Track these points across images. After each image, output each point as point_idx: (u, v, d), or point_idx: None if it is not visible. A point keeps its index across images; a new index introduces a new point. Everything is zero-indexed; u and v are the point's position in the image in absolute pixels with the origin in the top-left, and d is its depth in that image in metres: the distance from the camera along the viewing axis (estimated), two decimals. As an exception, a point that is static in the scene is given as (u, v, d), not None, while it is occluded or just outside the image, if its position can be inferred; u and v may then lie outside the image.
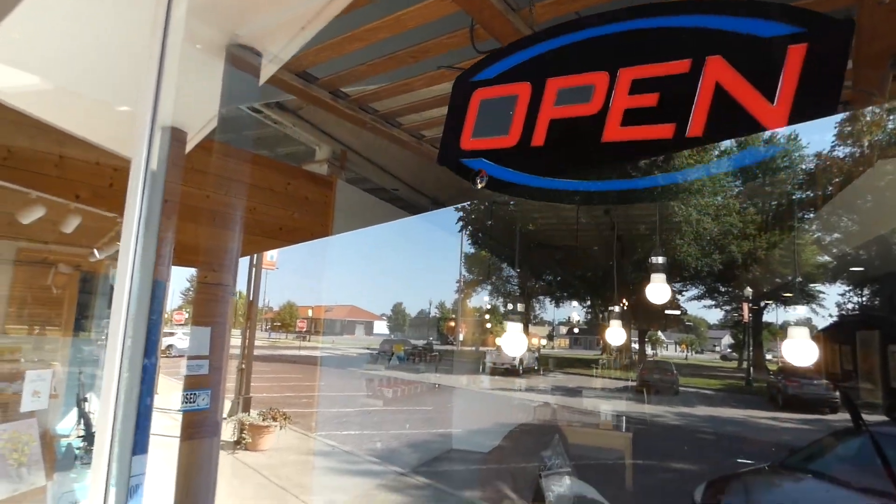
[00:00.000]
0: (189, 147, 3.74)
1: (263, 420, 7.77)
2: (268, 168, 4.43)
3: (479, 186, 1.02)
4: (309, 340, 46.57)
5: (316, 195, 4.62)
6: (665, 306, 27.31)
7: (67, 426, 4.11)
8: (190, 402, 3.50)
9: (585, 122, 0.96)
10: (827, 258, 22.12)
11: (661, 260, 2.71)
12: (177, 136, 3.60)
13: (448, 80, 2.22)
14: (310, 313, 53.31)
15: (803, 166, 20.98)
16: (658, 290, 2.69)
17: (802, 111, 0.81)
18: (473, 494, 6.32)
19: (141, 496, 3.34)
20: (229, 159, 4.04)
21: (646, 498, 6.61)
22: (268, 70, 3.08)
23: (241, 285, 10.74)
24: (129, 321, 1.97)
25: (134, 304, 2.12)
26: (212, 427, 3.66)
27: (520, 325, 2.36)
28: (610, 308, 3.43)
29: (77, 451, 3.97)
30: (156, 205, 2.17)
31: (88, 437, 4.05)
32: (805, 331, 2.10)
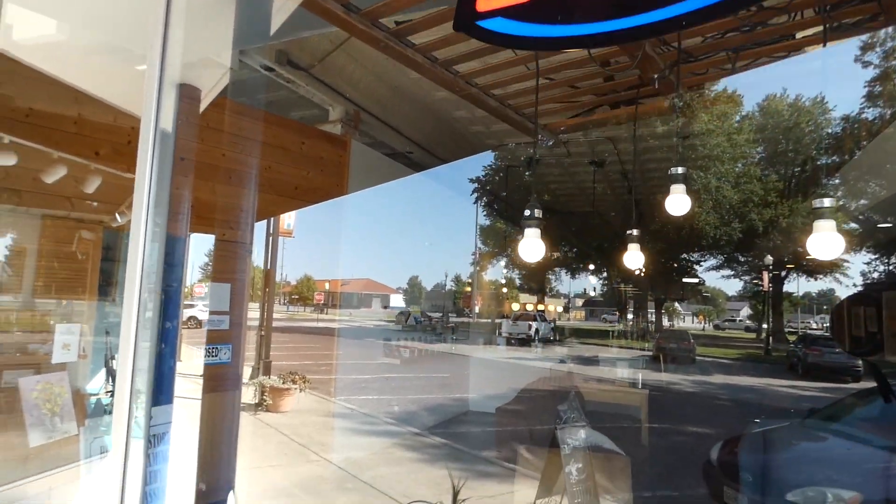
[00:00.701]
0: (203, 105, 3.73)
1: (284, 383, 7.95)
2: (282, 127, 4.43)
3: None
4: (326, 313, 47.22)
5: (330, 154, 4.62)
6: (682, 274, 27.06)
7: (97, 385, 4.27)
8: (212, 356, 3.58)
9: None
10: (853, 225, 21.59)
11: (680, 170, 2.65)
12: (189, 92, 3.57)
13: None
14: (327, 287, 53.90)
15: (829, 130, 20.36)
16: (678, 202, 2.63)
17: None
18: (490, 454, 6.44)
19: (168, 442, 3.44)
20: (244, 118, 4.04)
21: (661, 458, 6.66)
22: (280, 16, 3.03)
23: (260, 256, 10.89)
24: (143, 275, 2.00)
25: (148, 260, 2.15)
26: (233, 380, 3.75)
27: (537, 231, 2.32)
28: (627, 232, 3.36)
29: (106, 407, 4.13)
30: (167, 159, 2.18)
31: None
32: (832, 223, 2.04)
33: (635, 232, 3.35)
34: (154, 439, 3.25)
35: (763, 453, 4.56)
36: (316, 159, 4.54)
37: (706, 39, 2.34)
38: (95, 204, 4.24)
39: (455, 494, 3.11)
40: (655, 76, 2.33)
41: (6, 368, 3.56)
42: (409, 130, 5.60)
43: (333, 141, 4.77)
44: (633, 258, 3.25)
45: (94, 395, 4.18)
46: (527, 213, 2.34)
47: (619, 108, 3.07)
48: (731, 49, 2.11)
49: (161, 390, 3.43)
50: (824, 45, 1.96)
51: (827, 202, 2.05)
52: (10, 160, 3.17)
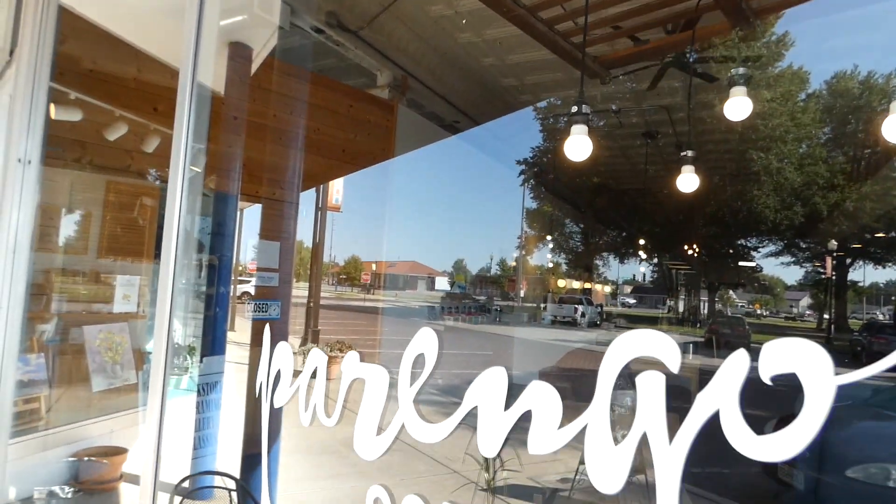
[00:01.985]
0: (255, 66, 3.76)
1: (331, 350, 8.15)
2: (331, 90, 4.45)
3: None
4: (373, 293, 48.08)
5: (378, 118, 4.62)
6: (737, 259, 25.95)
7: (156, 342, 4.47)
8: (262, 311, 3.64)
9: None
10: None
11: (741, 71, 2.51)
12: (241, 51, 3.60)
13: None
14: (374, 268, 54.76)
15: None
16: (738, 105, 2.48)
17: None
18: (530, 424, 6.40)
19: (220, 391, 3.50)
20: (294, 79, 4.07)
21: (712, 436, 6.46)
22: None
23: (308, 232, 11.13)
24: (179, 234, 2.04)
25: (189, 222, 2.18)
26: (281, 336, 3.83)
27: (584, 127, 2.24)
28: (682, 154, 3.18)
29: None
30: (203, 115, 2.20)
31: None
32: (909, 104, 1.86)
33: (689, 153, 3.18)
34: (206, 388, 3.36)
35: (822, 430, 4.33)
36: (363, 122, 4.56)
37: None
38: (157, 177, 4.36)
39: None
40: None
41: (74, 325, 3.75)
42: (456, 97, 5.55)
43: (381, 105, 4.78)
44: (688, 181, 3.09)
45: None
46: (574, 108, 2.25)
47: (675, 33, 2.90)
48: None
49: (213, 345, 3.53)
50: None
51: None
52: (76, 115, 3.31)
